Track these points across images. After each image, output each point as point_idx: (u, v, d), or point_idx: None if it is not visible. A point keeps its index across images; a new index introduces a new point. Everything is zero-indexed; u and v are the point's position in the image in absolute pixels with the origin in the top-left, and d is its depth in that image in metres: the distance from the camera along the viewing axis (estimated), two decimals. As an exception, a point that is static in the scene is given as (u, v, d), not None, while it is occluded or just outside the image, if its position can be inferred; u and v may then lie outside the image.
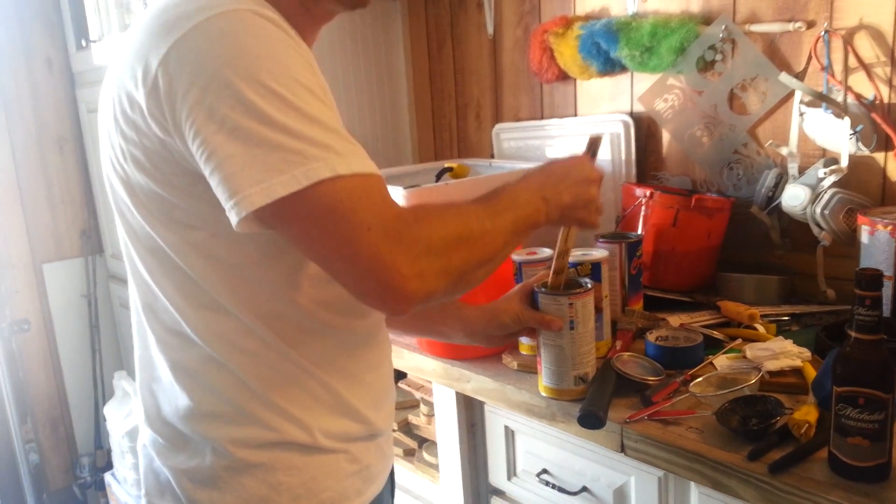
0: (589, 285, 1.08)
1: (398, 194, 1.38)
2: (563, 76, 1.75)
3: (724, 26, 1.45)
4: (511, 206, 0.85)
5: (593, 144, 1.02)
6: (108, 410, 2.51)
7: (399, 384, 1.55)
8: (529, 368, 1.20)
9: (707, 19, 1.49)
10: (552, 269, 1.05)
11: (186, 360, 0.84)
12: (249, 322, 0.82)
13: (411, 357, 1.38)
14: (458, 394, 1.33)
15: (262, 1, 0.81)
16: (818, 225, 1.28)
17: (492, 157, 1.96)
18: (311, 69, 0.74)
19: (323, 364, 0.86)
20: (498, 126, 1.94)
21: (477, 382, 1.25)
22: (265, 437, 0.83)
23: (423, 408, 1.53)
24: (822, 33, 1.32)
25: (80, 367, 2.65)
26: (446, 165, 1.72)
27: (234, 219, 0.70)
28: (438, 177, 1.70)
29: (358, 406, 0.89)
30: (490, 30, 1.93)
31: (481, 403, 1.32)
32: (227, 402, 0.83)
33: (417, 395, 1.52)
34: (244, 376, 0.83)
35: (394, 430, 1.58)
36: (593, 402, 1.03)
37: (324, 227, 0.69)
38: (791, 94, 1.38)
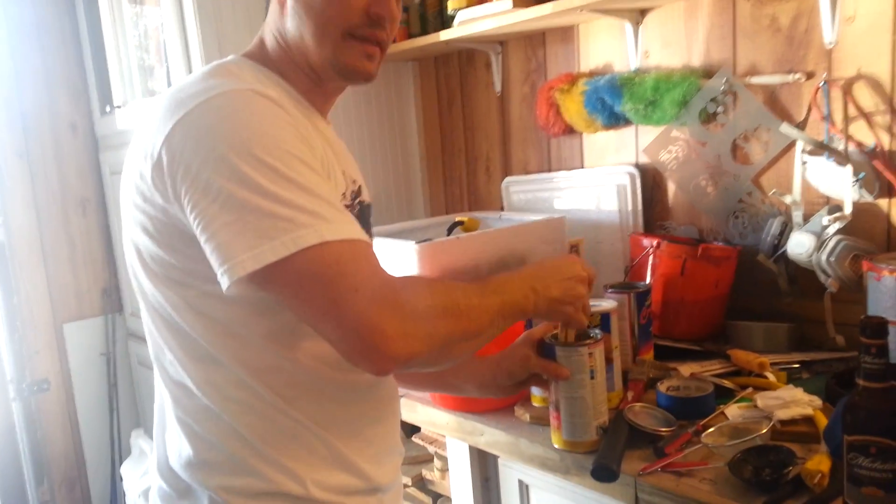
0: (599, 335, 1.09)
1: (410, 248, 1.40)
2: (570, 130, 1.79)
3: (724, 79, 1.49)
4: (500, 290, 0.88)
5: (574, 248, 1.07)
6: (125, 470, 2.51)
7: (412, 438, 1.55)
8: (542, 421, 1.20)
9: (708, 73, 1.53)
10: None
11: (188, 410, 0.88)
12: (242, 375, 0.85)
13: (424, 411, 1.39)
14: (471, 447, 1.33)
15: (269, 77, 0.90)
16: (824, 272, 1.28)
17: (502, 209, 2.00)
18: (305, 142, 0.80)
19: (318, 417, 0.88)
20: (507, 179, 1.97)
21: (490, 436, 1.25)
22: (258, 486, 0.85)
23: (436, 462, 1.52)
24: (822, 84, 1.35)
25: (97, 426, 2.67)
26: (457, 219, 1.75)
27: (224, 283, 0.74)
28: (450, 230, 1.72)
29: (356, 460, 0.90)
30: (498, 87, 1.99)
31: (495, 457, 1.31)
32: (223, 452, 0.86)
33: (431, 449, 1.52)
34: (238, 426, 0.85)
35: (407, 486, 1.57)
36: (606, 455, 1.03)
37: (311, 290, 0.73)
38: (793, 143, 1.40)
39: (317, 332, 0.77)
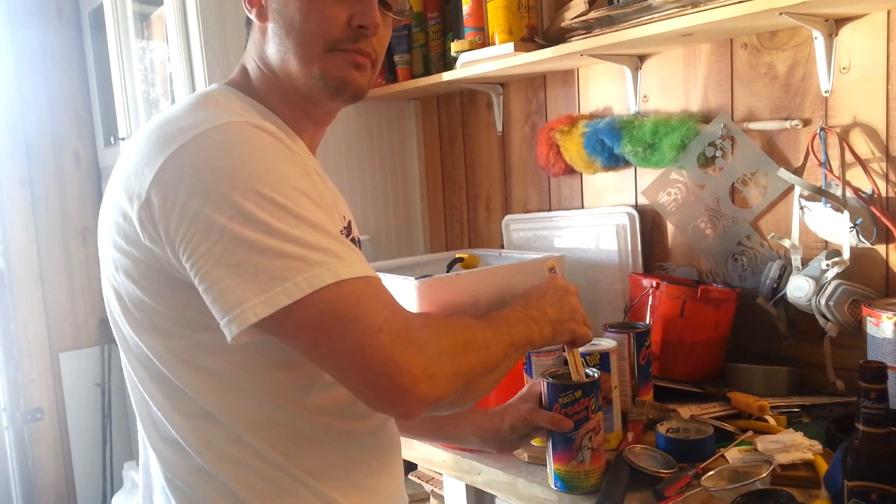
0: (597, 374, 1.09)
1: (410, 285, 1.41)
2: (570, 170, 1.82)
3: (722, 124, 1.52)
4: (505, 322, 0.87)
5: (552, 269, 1.08)
6: (116, 502, 2.47)
7: (409, 476, 1.53)
8: (540, 461, 1.19)
9: (706, 118, 1.56)
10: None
11: (178, 471, 0.82)
12: (239, 431, 0.80)
13: (421, 448, 1.37)
14: (468, 486, 1.32)
15: (257, 108, 0.85)
16: (824, 316, 1.29)
17: (502, 247, 2.01)
18: (307, 176, 0.76)
19: (319, 473, 0.83)
20: (507, 217, 1.99)
21: (487, 475, 1.24)
22: None
23: (433, 501, 1.51)
24: (818, 131, 1.37)
25: (90, 456, 2.64)
26: (457, 256, 1.76)
27: (232, 331, 0.68)
28: (449, 267, 1.73)
29: None
30: (499, 127, 2.02)
31: (492, 496, 1.30)
32: None
33: (427, 487, 1.50)
34: (235, 488, 0.80)
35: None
36: (607, 496, 1.02)
37: (332, 332, 0.68)
38: (791, 187, 1.42)
39: (336, 377, 0.72)
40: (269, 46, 0.87)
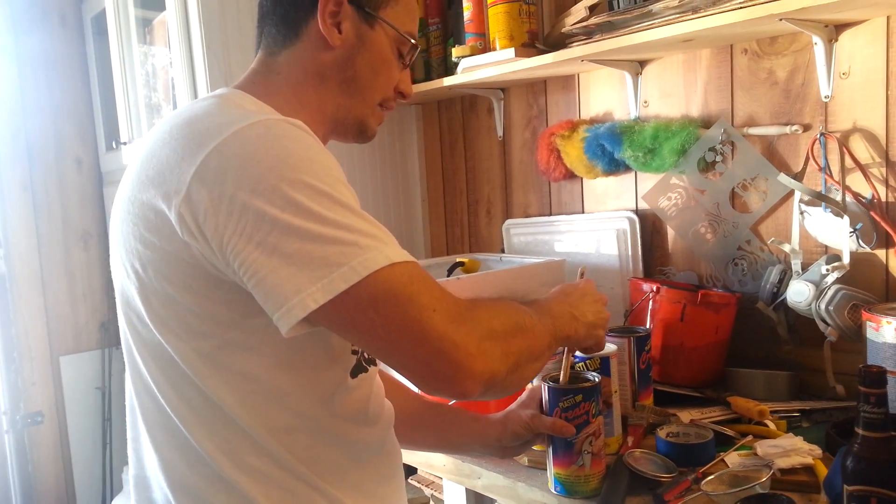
0: (598, 378, 1.09)
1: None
2: (570, 175, 1.82)
3: (722, 129, 1.52)
4: (549, 313, 0.89)
5: (583, 273, 1.11)
6: (115, 506, 2.47)
7: (408, 480, 1.53)
8: (540, 465, 1.19)
9: (706, 123, 1.56)
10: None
11: (191, 480, 0.81)
12: (261, 438, 0.79)
13: (421, 452, 1.37)
14: (468, 490, 1.32)
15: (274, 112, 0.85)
16: (824, 321, 1.29)
17: (502, 251, 2.01)
18: (341, 170, 0.77)
19: (334, 481, 0.83)
20: (508, 222, 1.99)
21: (487, 479, 1.24)
22: None
23: (433, 505, 1.51)
24: (818, 136, 1.37)
25: (90, 460, 2.64)
26: (458, 260, 1.76)
27: (291, 320, 0.69)
28: (450, 271, 1.73)
29: None
30: (500, 132, 2.02)
31: (492, 500, 1.30)
32: None
33: (427, 491, 1.50)
34: (253, 497, 0.79)
35: (404, 529, 1.55)
36: (607, 501, 1.02)
37: (388, 312, 0.69)
38: (791, 192, 1.42)
39: (389, 360, 0.73)
40: (331, 69, 0.90)
